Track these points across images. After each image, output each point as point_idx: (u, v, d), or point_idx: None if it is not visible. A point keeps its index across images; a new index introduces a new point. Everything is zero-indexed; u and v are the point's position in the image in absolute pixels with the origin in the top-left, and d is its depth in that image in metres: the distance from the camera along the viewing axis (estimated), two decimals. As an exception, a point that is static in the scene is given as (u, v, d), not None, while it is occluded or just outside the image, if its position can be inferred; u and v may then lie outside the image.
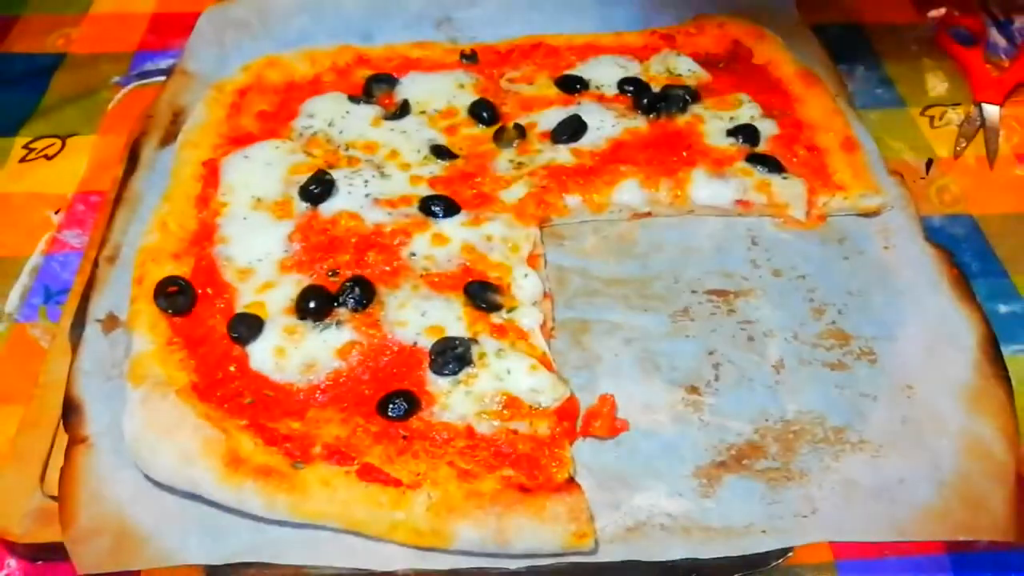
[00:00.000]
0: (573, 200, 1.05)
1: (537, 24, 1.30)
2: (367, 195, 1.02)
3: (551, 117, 1.13)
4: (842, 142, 1.10)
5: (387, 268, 0.95)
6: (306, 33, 1.27)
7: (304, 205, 1.01)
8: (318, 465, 0.78)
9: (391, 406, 0.83)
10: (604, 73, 1.19)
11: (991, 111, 1.22)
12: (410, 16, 1.30)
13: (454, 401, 0.83)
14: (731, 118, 1.12)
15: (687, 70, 1.20)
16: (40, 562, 0.79)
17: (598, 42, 1.26)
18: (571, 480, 0.79)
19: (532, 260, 0.98)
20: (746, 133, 1.10)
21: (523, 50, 1.24)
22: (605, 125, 1.11)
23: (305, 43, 1.25)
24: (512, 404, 0.83)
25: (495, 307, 0.91)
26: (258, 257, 0.96)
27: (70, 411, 0.85)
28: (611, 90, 1.18)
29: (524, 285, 0.94)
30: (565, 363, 0.91)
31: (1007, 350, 0.92)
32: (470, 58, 1.23)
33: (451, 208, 1.01)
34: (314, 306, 0.90)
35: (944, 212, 1.10)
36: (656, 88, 1.16)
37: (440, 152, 1.09)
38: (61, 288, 1.00)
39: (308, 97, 1.16)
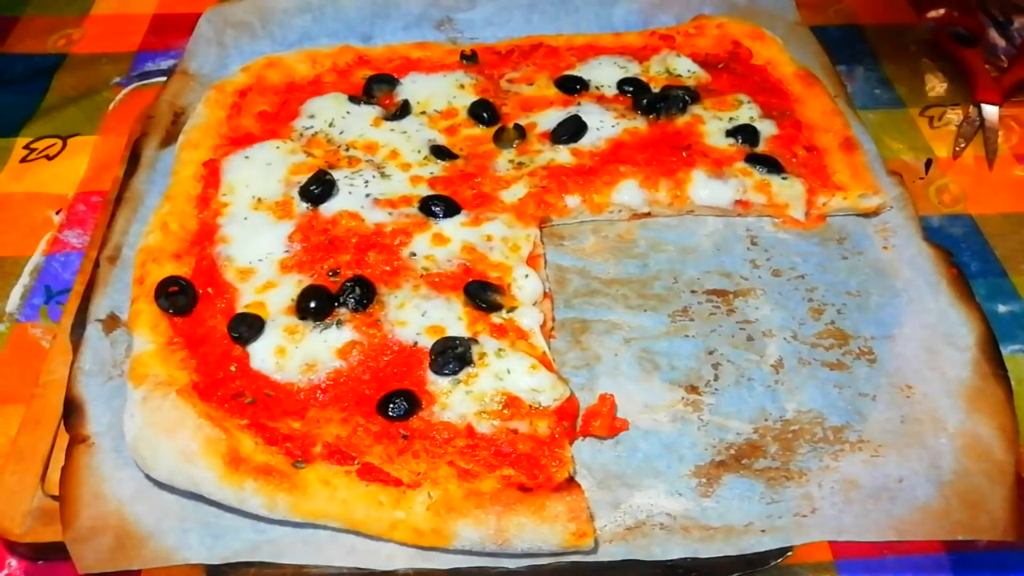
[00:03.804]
0: (573, 200, 1.05)
1: (537, 24, 1.30)
2: (367, 195, 1.03)
3: (551, 117, 1.13)
4: (841, 142, 1.10)
5: (387, 268, 0.95)
6: (306, 34, 1.28)
7: (305, 205, 1.01)
8: (318, 464, 0.78)
9: (391, 406, 0.83)
10: (604, 74, 1.19)
11: (990, 111, 1.22)
12: (410, 17, 1.31)
13: (454, 401, 0.83)
14: (730, 118, 1.13)
15: (687, 71, 1.20)
16: (41, 561, 0.80)
17: (598, 43, 1.26)
18: (571, 479, 0.79)
19: (532, 260, 0.99)
20: (745, 133, 1.10)
21: (523, 50, 1.25)
22: (605, 125, 1.12)
23: (305, 44, 1.26)
24: (512, 404, 0.83)
25: (495, 307, 0.92)
26: (259, 257, 0.96)
27: (71, 411, 0.85)
28: (611, 91, 1.18)
29: (524, 285, 0.94)
30: (565, 363, 0.91)
31: (1006, 349, 0.93)
32: (470, 59, 1.23)
33: (451, 208, 1.01)
34: (315, 306, 0.90)
35: (943, 212, 1.10)
36: (656, 88, 1.17)
37: (440, 152, 1.09)
38: (62, 288, 1.01)
39: (309, 98, 1.16)
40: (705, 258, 1.03)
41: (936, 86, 1.28)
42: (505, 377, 0.85)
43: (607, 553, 0.77)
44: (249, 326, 0.88)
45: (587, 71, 1.20)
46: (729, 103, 1.15)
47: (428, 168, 1.08)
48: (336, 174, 1.04)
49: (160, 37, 1.35)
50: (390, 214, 1.01)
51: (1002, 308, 0.99)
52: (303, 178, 1.03)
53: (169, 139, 1.12)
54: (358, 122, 1.13)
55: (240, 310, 0.91)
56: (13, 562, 0.80)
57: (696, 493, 0.81)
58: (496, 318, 0.91)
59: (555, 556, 0.77)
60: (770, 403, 0.88)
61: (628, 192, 1.05)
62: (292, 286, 0.93)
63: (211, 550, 0.77)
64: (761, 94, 1.17)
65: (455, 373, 0.85)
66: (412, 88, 1.18)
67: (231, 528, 0.78)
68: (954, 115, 1.23)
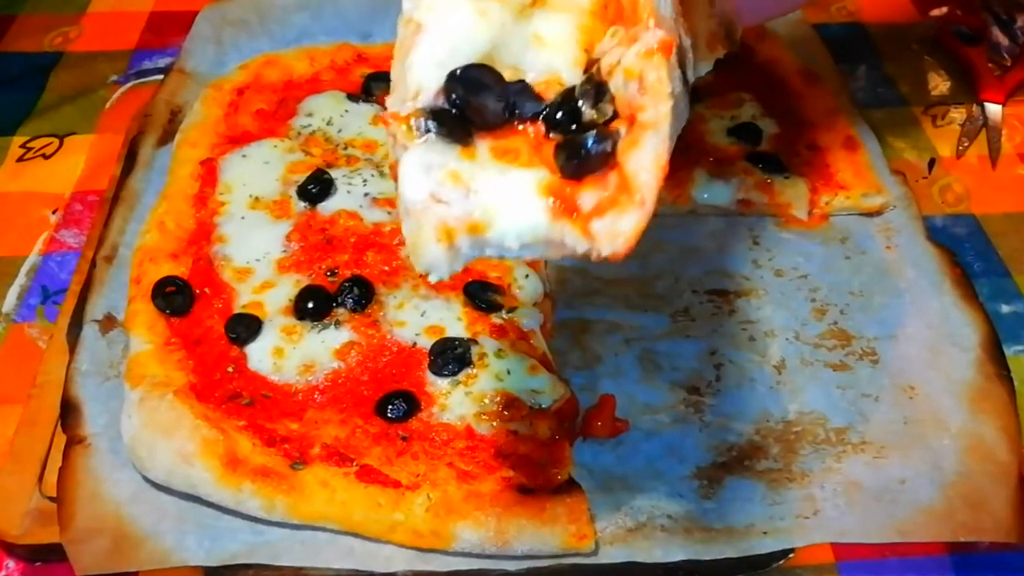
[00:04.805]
0: (573, 199, 1.04)
1: (537, 22, 1.29)
2: (366, 194, 1.02)
3: (551, 116, 1.12)
4: (844, 141, 1.09)
5: (386, 268, 0.94)
6: (304, 31, 1.27)
7: (302, 204, 1.01)
8: (317, 466, 0.78)
9: (390, 407, 0.82)
10: (604, 72, 1.19)
11: (993, 110, 1.21)
12: (409, 14, 1.30)
13: (453, 402, 0.83)
14: (732, 117, 1.12)
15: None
16: (38, 563, 0.79)
17: (598, 40, 1.25)
18: (571, 481, 0.78)
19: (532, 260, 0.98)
20: (747, 132, 1.09)
21: (523, 48, 1.24)
22: (605, 124, 1.11)
23: (303, 41, 1.25)
24: (512, 405, 0.83)
25: (495, 307, 0.91)
26: (256, 257, 0.95)
27: (68, 411, 0.84)
28: (611, 89, 1.17)
29: (524, 285, 0.94)
30: (565, 363, 0.91)
31: (1009, 350, 0.92)
32: (470, 57, 1.22)
33: (451, 207, 1.00)
34: (313, 306, 0.89)
35: (946, 212, 1.09)
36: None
37: (440, 151, 1.09)
38: (59, 288, 1.00)
39: (307, 96, 1.15)
40: (707, 258, 1.02)
41: (939, 85, 1.27)
42: (505, 378, 0.84)
43: (608, 555, 0.77)
44: (246, 327, 0.88)
45: (587, 69, 1.19)
46: (731, 101, 1.14)
47: (427, 167, 1.07)
48: (334, 173, 1.03)
49: (157, 35, 1.34)
50: (389, 213, 1.00)
51: (1005, 308, 0.99)
52: (301, 177, 1.02)
53: (166, 138, 1.11)
54: (357, 120, 1.12)
55: (237, 310, 0.90)
56: (11, 563, 0.79)
57: (698, 495, 0.81)
58: (496, 318, 0.90)
59: (555, 558, 0.77)
60: (772, 404, 0.88)
61: (629, 191, 1.04)
62: (290, 286, 0.92)
63: (209, 552, 0.76)
64: (763, 92, 1.16)
65: (454, 374, 0.84)
66: (411, 86, 1.17)
67: (229, 530, 0.78)
68: (957, 114, 1.22)
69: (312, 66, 1.20)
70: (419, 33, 0.49)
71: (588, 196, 0.47)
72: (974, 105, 1.23)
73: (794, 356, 0.92)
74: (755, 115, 1.12)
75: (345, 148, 1.09)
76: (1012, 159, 1.17)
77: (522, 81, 0.49)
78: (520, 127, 0.49)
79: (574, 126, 0.48)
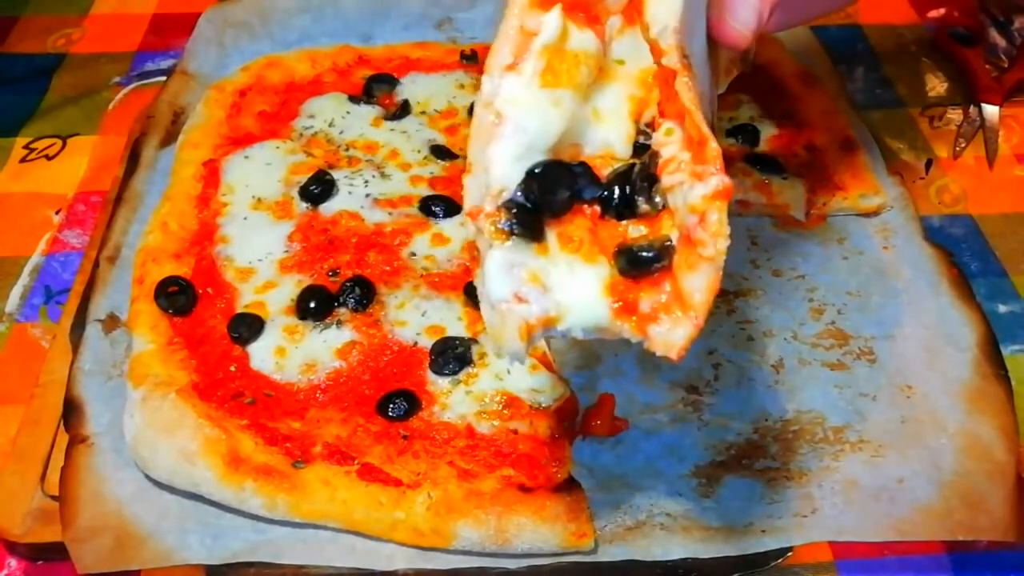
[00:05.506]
0: (573, 200, 1.05)
1: (537, 24, 1.30)
2: (367, 195, 1.03)
3: (551, 117, 1.13)
4: (841, 142, 1.10)
5: (387, 268, 0.95)
6: (306, 33, 1.27)
7: (304, 205, 1.01)
8: (318, 465, 0.78)
9: (391, 406, 0.83)
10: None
11: (991, 111, 1.22)
12: (410, 17, 1.31)
13: (454, 401, 0.83)
14: (730, 118, 1.13)
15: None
16: (41, 562, 0.79)
17: (598, 42, 1.26)
18: (571, 480, 0.79)
19: (532, 260, 0.99)
20: (745, 133, 1.10)
21: (523, 50, 1.24)
22: (605, 125, 1.12)
23: (305, 43, 1.25)
24: (512, 404, 0.83)
25: (495, 307, 0.92)
26: (258, 257, 0.96)
27: (71, 411, 0.85)
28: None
29: (524, 285, 0.94)
30: (565, 363, 0.91)
31: (1006, 350, 0.92)
32: (470, 58, 1.23)
33: (451, 208, 1.01)
34: (314, 306, 0.90)
35: (943, 212, 1.10)
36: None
37: (440, 152, 1.09)
38: (62, 288, 1.00)
39: (308, 97, 1.16)
40: (705, 258, 1.02)
41: (936, 86, 1.28)
42: (505, 377, 0.85)
43: (607, 553, 0.77)
44: (249, 326, 0.88)
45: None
46: (729, 103, 1.15)
47: (428, 168, 1.08)
48: (336, 174, 1.04)
49: (160, 37, 1.35)
50: (390, 214, 1.01)
51: (1003, 308, 0.99)
52: (303, 178, 1.03)
53: (169, 139, 1.12)
54: (358, 122, 1.13)
55: (240, 310, 0.91)
56: (13, 562, 0.79)
57: (696, 493, 0.81)
58: (496, 318, 0.91)
59: (555, 556, 0.77)
60: (770, 403, 0.88)
61: (628, 192, 1.05)
62: (292, 286, 0.93)
63: (211, 550, 0.77)
64: (761, 94, 1.17)
65: (455, 373, 0.85)
66: (412, 88, 1.18)
67: (231, 528, 0.78)
68: (954, 115, 1.23)
69: (313, 68, 1.21)
70: (500, 125, 0.53)
71: (646, 300, 0.54)
72: (971, 106, 1.23)
73: (792, 356, 0.92)
74: (753, 116, 1.13)
75: (347, 149, 1.10)
76: (1009, 160, 1.17)
77: (583, 163, 0.56)
78: (580, 205, 0.55)
79: (627, 211, 0.55)
